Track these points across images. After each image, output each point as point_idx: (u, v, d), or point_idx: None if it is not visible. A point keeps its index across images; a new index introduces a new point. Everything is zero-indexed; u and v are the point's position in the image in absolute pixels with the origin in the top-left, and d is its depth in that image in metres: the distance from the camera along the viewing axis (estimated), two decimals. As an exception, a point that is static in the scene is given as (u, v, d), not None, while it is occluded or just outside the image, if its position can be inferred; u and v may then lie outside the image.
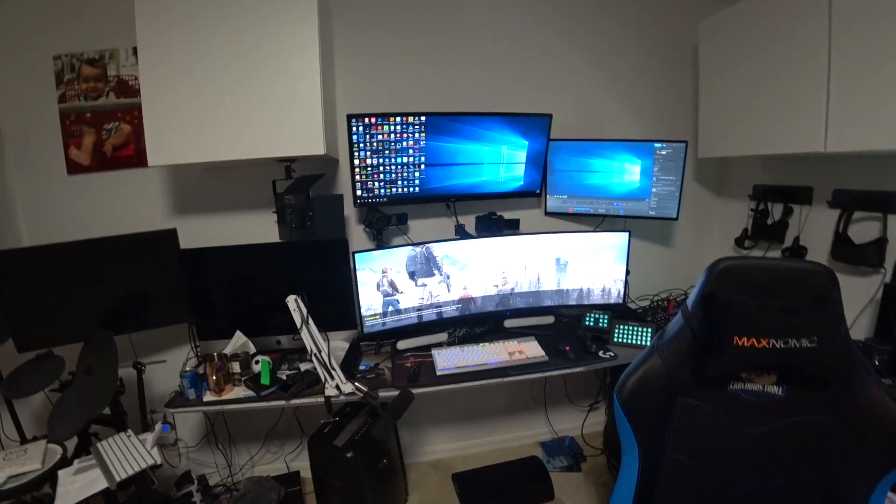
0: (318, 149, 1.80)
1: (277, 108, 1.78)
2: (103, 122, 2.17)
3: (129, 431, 1.79)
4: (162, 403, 1.92)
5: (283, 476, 2.41)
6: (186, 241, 2.05)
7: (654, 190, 2.35)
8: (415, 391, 1.85)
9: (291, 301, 1.77)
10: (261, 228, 2.23)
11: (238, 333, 2.08)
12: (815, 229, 2.16)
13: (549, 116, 2.24)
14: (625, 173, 2.36)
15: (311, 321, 1.78)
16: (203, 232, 2.20)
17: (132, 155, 2.19)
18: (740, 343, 1.12)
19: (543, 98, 2.38)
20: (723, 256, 1.23)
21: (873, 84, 1.58)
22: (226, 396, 1.89)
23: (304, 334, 1.77)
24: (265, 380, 1.89)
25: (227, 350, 2.05)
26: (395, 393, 1.78)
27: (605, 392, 2.74)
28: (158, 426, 1.76)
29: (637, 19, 2.49)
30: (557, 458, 2.57)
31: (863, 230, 1.97)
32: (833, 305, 1.11)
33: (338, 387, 1.79)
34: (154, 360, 2.11)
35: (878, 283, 1.90)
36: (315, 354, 1.78)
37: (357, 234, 2.32)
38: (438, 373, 1.94)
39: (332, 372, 1.78)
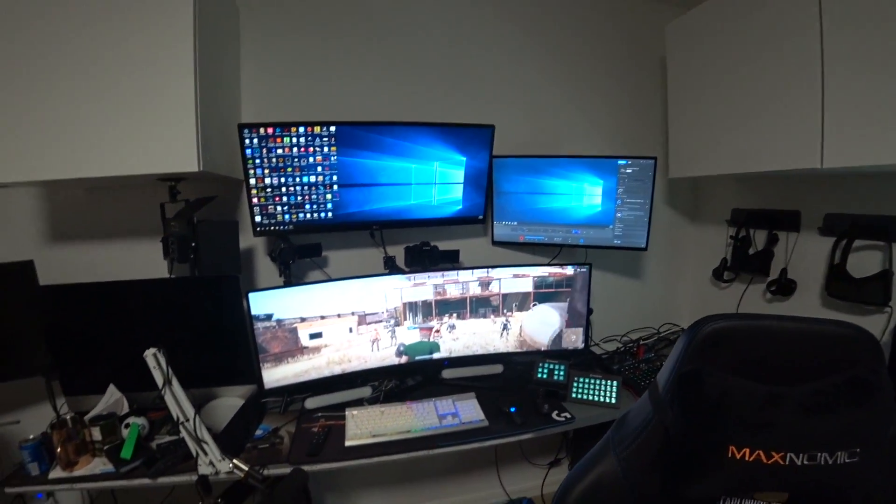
0: (192, 165, 1.45)
1: (139, 115, 1.43)
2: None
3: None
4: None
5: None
6: (64, 274, 1.70)
7: (618, 215, 2.02)
8: (315, 467, 1.48)
9: (150, 357, 1.40)
10: (151, 261, 1.85)
11: (111, 388, 1.71)
12: (805, 259, 1.84)
13: (491, 128, 1.92)
14: (584, 195, 2.03)
15: (174, 381, 1.41)
16: (85, 263, 1.85)
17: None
18: (740, 456, 0.73)
19: (485, 108, 2.07)
20: (713, 314, 0.79)
21: (880, 85, 1.27)
22: (78, 472, 1.51)
23: (168, 398, 1.41)
24: (126, 452, 1.50)
25: (98, 409, 1.68)
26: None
27: (567, 447, 2.37)
28: None
29: (597, 22, 2.22)
30: (512, 529, 2.18)
31: (863, 261, 1.65)
32: (881, 394, 0.71)
33: (212, 464, 1.41)
34: (5, 422, 1.72)
35: (883, 323, 1.57)
36: (182, 424, 1.41)
37: (265, 268, 1.96)
38: (347, 444, 1.56)
39: (204, 446, 1.40)
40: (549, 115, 2.21)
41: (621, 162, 1.97)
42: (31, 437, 1.52)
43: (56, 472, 1.50)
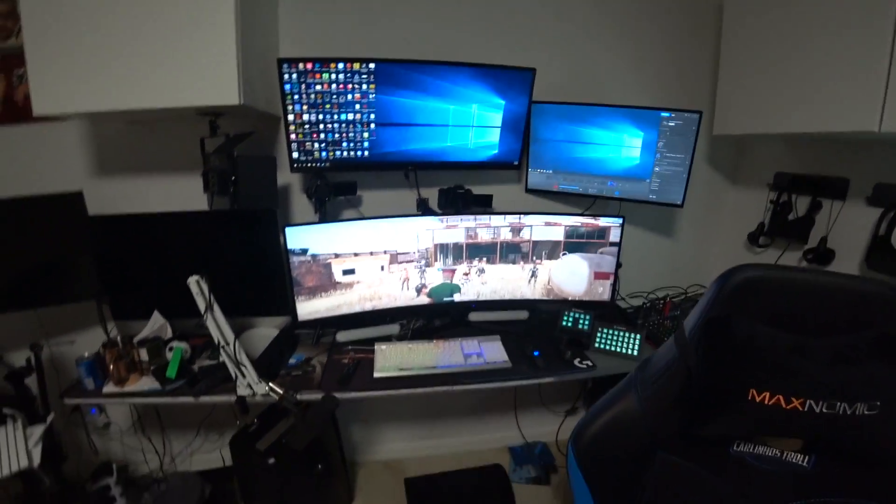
0: (233, 98, 1.46)
1: (181, 47, 1.43)
2: (14, 66, 1.83)
3: (20, 422, 1.56)
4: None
5: (219, 470, 2.18)
6: (111, 205, 1.76)
7: (656, 169, 1.97)
8: (345, 395, 1.57)
9: (193, 283, 1.47)
10: (191, 194, 1.89)
11: (156, 315, 1.81)
12: (847, 230, 1.77)
13: (532, 71, 1.86)
14: (623, 147, 1.98)
15: (216, 307, 1.48)
16: (130, 195, 1.91)
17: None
18: (760, 400, 0.74)
19: (526, 50, 1.97)
20: (743, 263, 0.80)
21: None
22: (129, 388, 1.64)
23: (210, 323, 1.48)
24: (171, 372, 1.62)
25: (144, 333, 1.79)
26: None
27: (585, 396, 2.43)
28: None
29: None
30: (525, 467, 2.28)
31: (910, 234, 1.59)
32: None
33: (250, 386, 1.51)
34: (62, 342, 1.85)
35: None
36: (223, 347, 1.49)
37: (300, 205, 1.99)
38: (375, 375, 1.64)
39: (242, 369, 1.49)
40: (589, 59, 2.09)
41: (664, 114, 1.90)
42: (87, 354, 1.64)
43: (109, 387, 1.63)
